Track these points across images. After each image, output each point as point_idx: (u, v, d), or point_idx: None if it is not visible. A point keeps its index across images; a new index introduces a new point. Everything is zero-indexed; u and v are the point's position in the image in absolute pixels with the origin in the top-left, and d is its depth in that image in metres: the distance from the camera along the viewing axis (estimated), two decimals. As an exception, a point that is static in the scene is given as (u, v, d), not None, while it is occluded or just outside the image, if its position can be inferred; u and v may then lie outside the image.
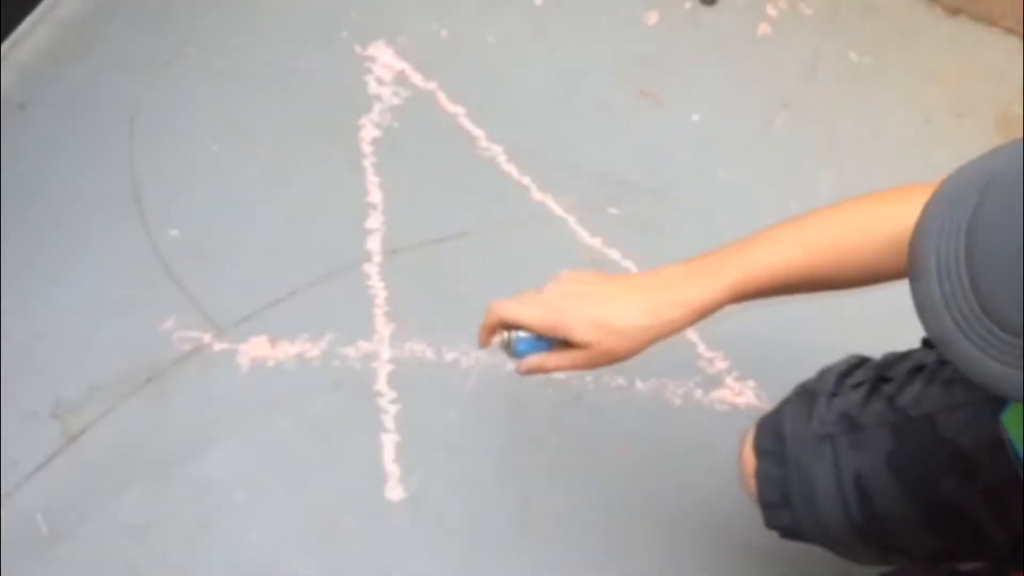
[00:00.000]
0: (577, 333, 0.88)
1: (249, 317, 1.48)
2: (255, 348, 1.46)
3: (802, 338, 1.46)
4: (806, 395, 1.03)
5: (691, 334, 1.50)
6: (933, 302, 0.62)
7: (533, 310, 0.90)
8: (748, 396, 1.46)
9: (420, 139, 1.67)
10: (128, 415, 1.40)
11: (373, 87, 1.72)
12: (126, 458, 1.36)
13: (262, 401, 1.42)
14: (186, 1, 1.80)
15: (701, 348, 1.49)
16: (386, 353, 1.47)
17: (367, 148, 1.66)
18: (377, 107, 1.70)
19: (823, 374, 1.05)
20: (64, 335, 1.46)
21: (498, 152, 1.67)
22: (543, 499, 1.37)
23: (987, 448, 0.93)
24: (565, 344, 0.90)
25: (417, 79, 1.74)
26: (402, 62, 1.76)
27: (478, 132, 1.69)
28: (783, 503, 1.01)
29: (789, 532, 1.03)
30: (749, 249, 0.91)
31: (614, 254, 1.56)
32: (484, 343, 0.95)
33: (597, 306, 0.89)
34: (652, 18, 1.86)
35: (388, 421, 1.41)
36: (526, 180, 1.64)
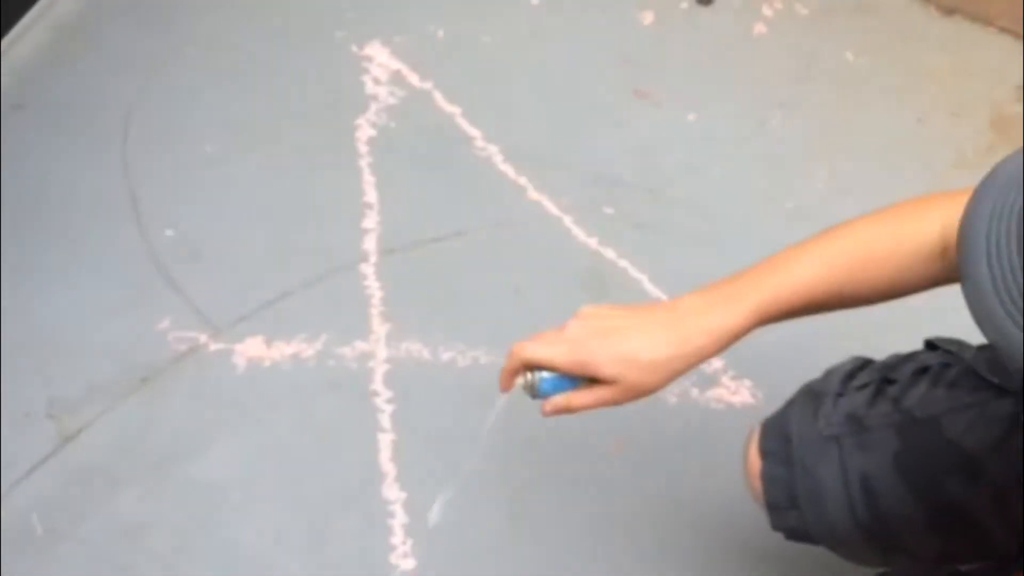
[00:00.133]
0: (605, 370, 0.87)
1: (245, 317, 1.48)
2: (251, 348, 1.46)
3: (798, 338, 1.46)
4: (811, 396, 1.03)
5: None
6: (981, 285, 0.61)
7: (558, 349, 0.88)
8: (744, 395, 1.46)
9: (416, 139, 1.67)
10: (124, 415, 1.39)
11: (369, 87, 1.73)
12: (122, 458, 1.36)
13: (258, 401, 1.42)
14: (182, 1, 1.80)
15: (697, 347, 1.49)
16: (382, 353, 1.47)
17: (363, 148, 1.66)
18: (373, 107, 1.70)
19: (828, 375, 1.05)
20: (59, 335, 1.46)
21: (494, 152, 1.67)
22: (539, 497, 1.37)
23: (992, 449, 0.93)
24: (590, 381, 0.89)
25: (413, 79, 1.74)
26: (398, 62, 1.76)
27: (474, 132, 1.69)
28: (790, 504, 1.01)
29: (795, 533, 1.03)
30: (771, 271, 0.90)
31: (610, 253, 1.56)
32: (506, 386, 0.93)
33: (622, 341, 0.87)
34: (648, 18, 1.86)
35: (384, 420, 1.41)
36: (522, 180, 1.64)
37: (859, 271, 0.90)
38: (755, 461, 1.03)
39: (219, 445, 1.38)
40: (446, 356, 1.47)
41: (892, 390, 0.99)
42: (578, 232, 1.59)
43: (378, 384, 1.44)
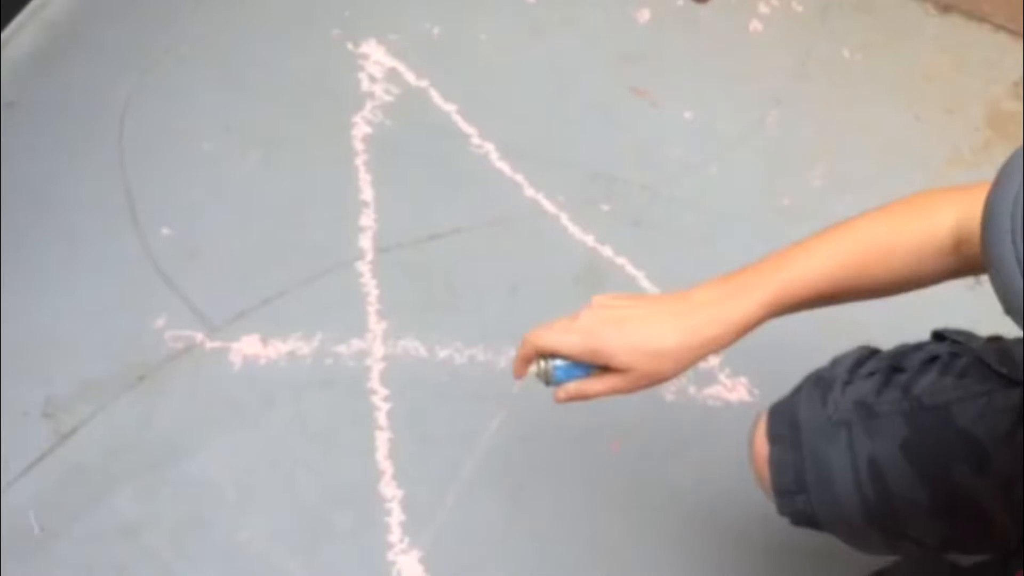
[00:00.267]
0: (617, 358, 0.88)
1: (241, 315, 1.48)
2: (247, 346, 1.46)
3: (794, 335, 1.46)
4: (819, 383, 1.04)
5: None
6: (1007, 264, 0.62)
7: (572, 337, 0.90)
8: (741, 392, 1.46)
9: (412, 137, 1.67)
10: (120, 414, 1.39)
11: (365, 85, 1.72)
12: (118, 457, 1.36)
13: (255, 399, 1.42)
14: (177, -1, 1.80)
15: (694, 345, 1.49)
16: (379, 350, 1.46)
17: (359, 146, 1.66)
18: (369, 105, 1.70)
19: (835, 363, 1.07)
20: (55, 333, 1.45)
21: (490, 149, 1.67)
22: (535, 495, 1.37)
23: (1002, 439, 0.94)
24: (602, 369, 0.90)
25: (409, 77, 1.74)
26: (394, 60, 1.76)
27: (470, 129, 1.69)
28: (798, 489, 1.02)
29: (801, 518, 1.04)
30: (783, 263, 0.91)
31: (607, 251, 1.56)
32: (520, 373, 0.94)
33: (635, 330, 0.88)
34: (644, 16, 1.86)
35: (381, 418, 1.41)
36: (518, 177, 1.64)
37: (871, 264, 0.90)
38: (762, 447, 1.04)
39: (215, 443, 1.38)
40: (443, 354, 1.47)
41: (901, 378, 1.01)
42: (575, 230, 1.59)
43: (375, 382, 1.44)
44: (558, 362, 0.90)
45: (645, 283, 1.54)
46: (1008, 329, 1.05)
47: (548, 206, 1.61)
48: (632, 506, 1.37)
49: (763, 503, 1.36)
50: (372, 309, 1.50)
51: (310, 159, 1.64)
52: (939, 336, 1.04)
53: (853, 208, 0.95)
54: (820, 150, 1.71)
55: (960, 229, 0.86)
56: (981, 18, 1.87)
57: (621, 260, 1.56)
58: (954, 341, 1.02)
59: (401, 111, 1.70)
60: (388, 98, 1.71)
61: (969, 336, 1.02)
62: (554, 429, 1.42)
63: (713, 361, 1.48)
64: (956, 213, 0.86)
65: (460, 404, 1.43)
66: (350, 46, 1.77)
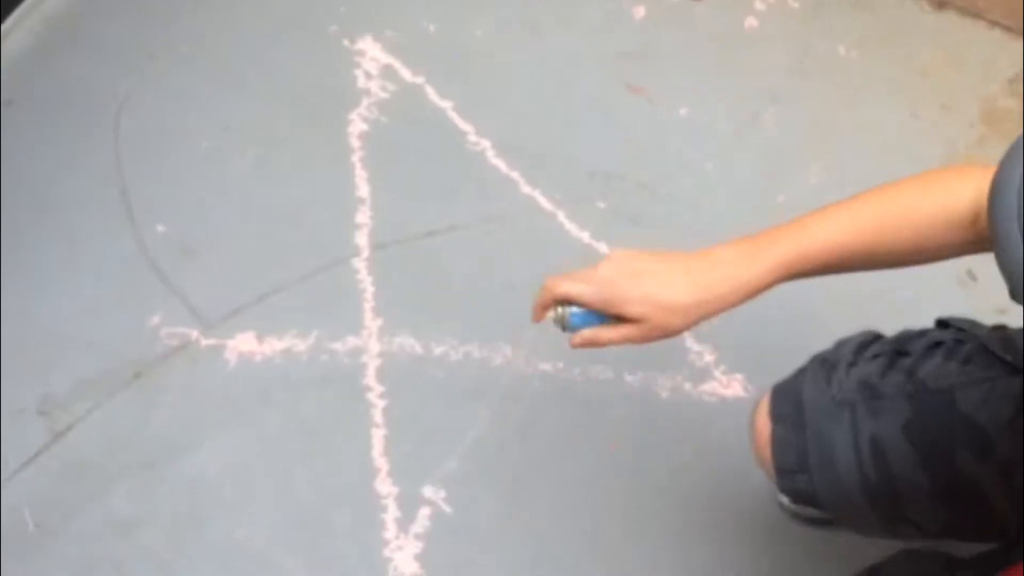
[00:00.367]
0: (630, 308, 0.91)
1: (236, 312, 1.48)
2: (243, 343, 1.46)
3: (789, 332, 1.46)
4: (824, 364, 1.06)
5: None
6: (1012, 243, 0.64)
7: (588, 286, 0.93)
8: (736, 388, 1.46)
9: (408, 133, 1.67)
10: (115, 411, 1.39)
11: (361, 81, 1.72)
12: (113, 454, 1.36)
13: (250, 397, 1.42)
14: (172, -4, 1.80)
15: (689, 341, 1.49)
16: (375, 347, 1.46)
17: (355, 142, 1.65)
18: (365, 101, 1.70)
19: (839, 345, 1.08)
20: (50, 331, 1.45)
21: (486, 146, 1.67)
22: (532, 492, 1.37)
23: (1004, 425, 0.95)
24: (617, 319, 0.93)
25: (405, 73, 1.74)
26: (390, 56, 1.75)
27: (466, 126, 1.68)
28: (800, 468, 1.03)
29: (802, 496, 1.05)
30: (800, 227, 0.94)
31: (603, 247, 1.56)
32: (538, 318, 0.98)
33: (650, 283, 0.92)
34: (639, 12, 1.86)
35: (377, 415, 1.41)
36: (515, 174, 1.64)
37: (888, 233, 0.92)
38: (764, 426, 1.06)
39: (211, 441, 1.38)
40: (438, 351, 1.47)
41: (905, 361, 1.02)
42: (571, 226, 1.59)
43: (370, 379, 1.44)
44: (574, 309, 0.94)
45: (641, 280, 1.54)
46: (1006, 321, 1.06)
47: (544, 203, 1.61)
48: (629, 502, 1.37)
49: (759, 498, 1.37)
50: (368, 306, 1.50)
51: (306, 156, 1.64)
52: (943, 324, 1.05)
53: (848, 205, 0.95)
54: (816, 147, 1.71)
55: (978, 204, 0.86)
56: (976, 15, 1.87)
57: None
58: (959, 328, 1.03)
59: (397, 108, 1.70)
60: (384, 95, 1.71)
61: (973, 324, 1.04)
62: (550, 426, 1.42)
63: (708, 358, 1.48)
64: (976, 188, 0.87)
65: (456, 401, 1.43)
66: (346, 43, 1.76)
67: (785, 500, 1.33)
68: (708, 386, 1.46)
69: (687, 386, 1.46)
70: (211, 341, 1.46)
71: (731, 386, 1.46)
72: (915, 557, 1.03)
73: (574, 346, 0.96)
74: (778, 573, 1.32)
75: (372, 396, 1.43)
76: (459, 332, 1.48)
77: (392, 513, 1.34)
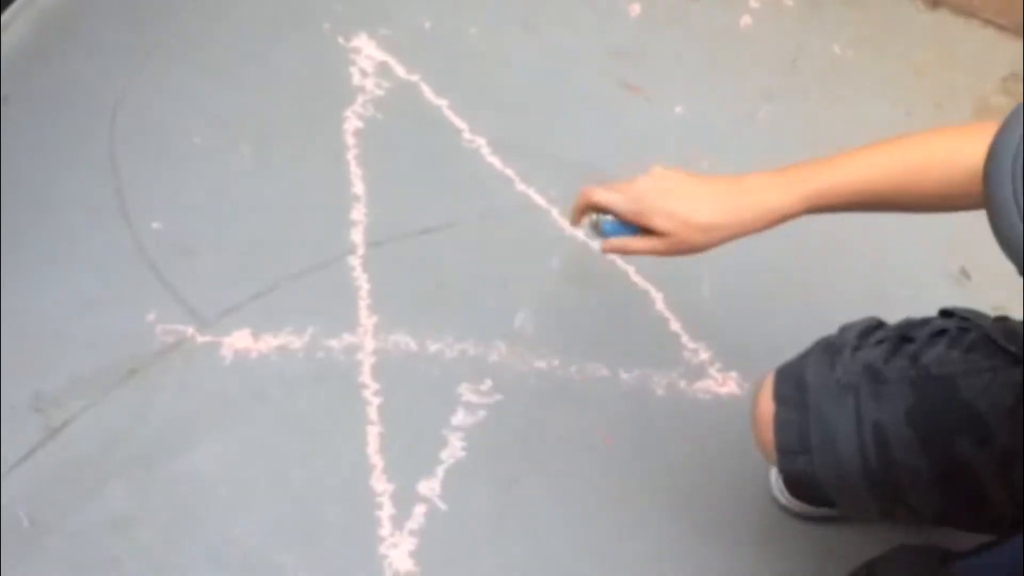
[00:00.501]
0: (658, 222, 0.96)
1: (232, 309, 1.48)
2: (238, 340, 1.46)
3: (784, 330, 1.47)
4: (828, 348, 1.07)
5: (674, 325, 1.51)
6: (1007, 208, 0.65)
7: (621, 197, 0.99)
8: (731, 386, 1.46)
9: (403, 131, 1.67)
10: (110, 408, 1.39)
11: (356, 79, 1.72)
12: (108, 451, 1.36)
13: (246, 394, 1.42)
14: (168, -7, 1.80)
15: (684, 339, 1.50)
16: (370, 345, 1.47)
17: (350, 140, 1.65)
18: (360, 99, 1.70)
19: (844, 330, 1.10)
20: (46, 328, 1.45)
21: (481, 144, 1.67)
22: (527, 489, 1.37)
23: (1005, 414, 0.96)
24: (647, 232, 0.98)
25: (400, 71, 1.74)
26: (385, 54, 1.75)
27: (461, 124, 1.69)
28: (801, 449, 1.04)
29: (802, 478, 1.06)
30: (831, 164, 0.96)
31: (597, 245, 1.56)
32: (575, 222, 1.04)
33: (679, 201, 0.97)
34: (635, 10, 1.86)
35: (372, 413, 1.41)
36: (509, 172, 1.64)
37: (915, 176, 0.94)
38: (766, 407, 1.07)
39: (206, 438, 1.38)
40: (433, 348, 1.47)
41: (910, 348, 1.04)
42: (565, 224, 1.59)
43: (366, 376, 1.44)
44: (608, 218, 1.01)
45: (635, 278, 1.54)
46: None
47: (539, 200, 1.62)
48: (624, 499, 1.37)
49: (754, 495, 1.37)
50: (363, 303, 1.50)
51: (301, 153, 1.64)
52: (946, 314, 1.06)
53: (842, 203, 0.95)
54: (811, 144, 1.70)
55: None
56: (970, 13, 1.88)
57: (611, 255, 1.56)
58: (962, 318, 1.04)
59: (392, 105, 1.70)
60: (379, 92, 1.71)
61: (977, 314, 1.04)
62: (546, 422, 1.42)
63: (704, 356, 1.48)
64: None
65: (451, 398, 1.43)
66: (341, 40, 1.76)
67: (781, 497, 1.34)
68: (703, 384, 1.47)
69: (682, 384, 1.46)
70: (207, 338, 1.46)
71: (726, 384, 1.46)
72: (911, 552, 1.04)
73: (604, 251, 1.02)
74: (774, 570, 1.32)
75: (367, 393, 1.43)
76: (454, 329, 1.48)
77: (387, 510, 1.35)
